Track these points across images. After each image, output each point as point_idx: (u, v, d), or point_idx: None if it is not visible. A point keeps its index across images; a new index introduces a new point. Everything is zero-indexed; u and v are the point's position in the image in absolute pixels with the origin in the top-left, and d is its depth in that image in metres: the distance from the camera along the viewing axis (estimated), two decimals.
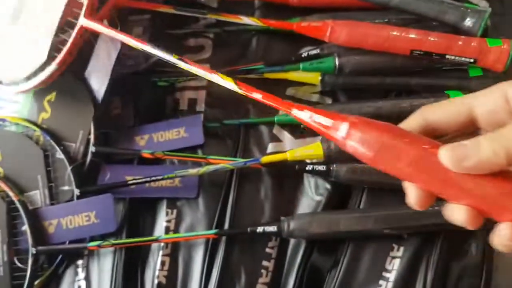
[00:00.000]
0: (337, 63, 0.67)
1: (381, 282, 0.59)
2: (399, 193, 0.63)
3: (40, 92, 0.72)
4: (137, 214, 0.68)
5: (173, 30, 0.81)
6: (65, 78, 0.70)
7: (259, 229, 0.61)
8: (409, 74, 0.69)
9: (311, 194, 0.66)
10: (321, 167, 0.62)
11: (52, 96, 0.71)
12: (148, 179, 0.65)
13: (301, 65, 0.69)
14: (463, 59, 0.63)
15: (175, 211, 0.67)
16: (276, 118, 0.70)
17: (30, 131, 0.70)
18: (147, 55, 0.77)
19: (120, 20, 0.81)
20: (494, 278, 0.59)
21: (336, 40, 0.66)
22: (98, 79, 0.71)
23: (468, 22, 0.63)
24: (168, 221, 0.67)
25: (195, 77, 0.75)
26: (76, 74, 0.71)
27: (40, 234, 0.65)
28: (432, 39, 0.63)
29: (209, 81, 0.74)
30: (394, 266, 0.59)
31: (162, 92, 0.77)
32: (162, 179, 0.65)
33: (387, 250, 0.61)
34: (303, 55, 0.71)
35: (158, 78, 0.73)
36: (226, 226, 0.65)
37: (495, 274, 0.60)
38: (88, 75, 0.71)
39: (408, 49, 0.64)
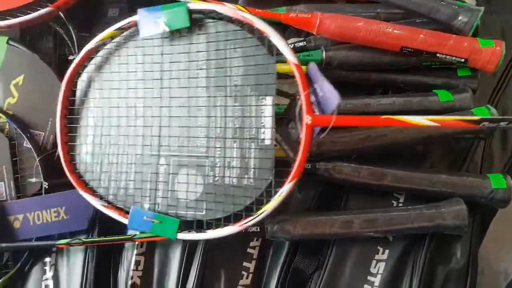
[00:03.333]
0: (324, 57, 0.64)
1: (366, 286, 0.57)
2: (385, 194, 0.63)
3: (6, 74, 0.66)
4: None
5: None
6: (34, 61, 0.66)
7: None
8: (397, 71, 0.67)
9: (295, 193, 0.63)
10: (306, 165, 0.60)
11: (19, 79, 0.66)
12: None
13: None
14: (454, 58, 0.61)
15: None
16: None
17: None
18: None
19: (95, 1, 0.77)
20: (478, 282, 0.58)
21: (324, 33, 0.64)
22: None
23: (460, 21, 0.61)
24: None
25: None
26: None
27: (4, 230, 0.61)
28: (423, 36, 0.61)
29: None
30: (379, 270, 0.58)
31: None
32: None
33: (372, 253, 0.59)
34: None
35: None
36: None
37: (480, 278, 0.59)
38: None
39: (399, 45, 0.61)
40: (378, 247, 0.59)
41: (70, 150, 0.59)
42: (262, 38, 0.54)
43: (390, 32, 0.61)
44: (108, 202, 0.55)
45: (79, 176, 0.58)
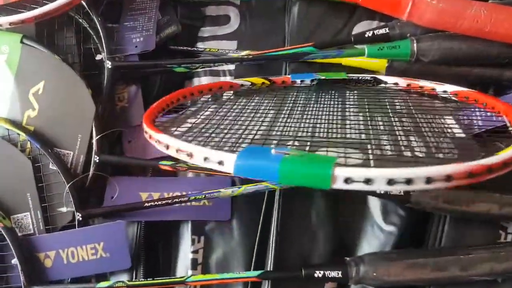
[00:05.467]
0: (415, 49, 0.51)
1: None
2: (489, 223, 0.51)
3: (23, 81, 0.55)
4: (156, 243, 0.55)
5: None
6: (55, 63, 0.55)
7: (318, 273, 0.47)
8: (503, 65, 0.53)
9: (379, 222, 0.52)
10: (398, 192, 0.48)
11: (39, 87, 0.55)
12: (169, 200, 0.51)
13: (366, 49, 0.52)
14: None
15: (202, 238, 0.54)
16: None
17: (12, 135, 0.54)
18: (159, 28, 0.61)
19: None
20: None
21: (418, 19, 0.50)
22: None
23: None
24: (195, 252, 0.53)
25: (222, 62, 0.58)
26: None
27: (34, 270, 0.51)
28: None
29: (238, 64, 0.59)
30: None
31: (178, 79, 0.61)
32: (188, 200, 0.51)
33: None
34: (366, 35, 0.55)
35: (176, 64, 0.56)
36: (269, 259, 0.52)
37: None
38: None
39: None
40: None
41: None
42: None
43: (504, 20, 0.47)
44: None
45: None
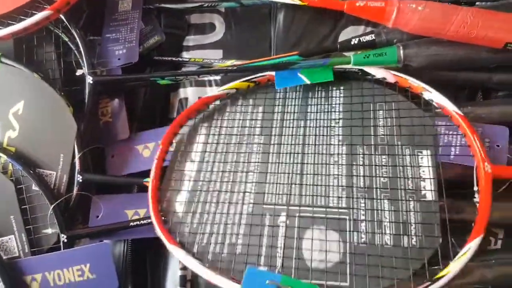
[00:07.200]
0: (401, 56, 0.50)
1: None
2: None
3: (2, 101, 0.54)
4: (143, 259, 0.54)
5: (172, 3, 0.62)
6: (35, 82, 0.53)
7: None
8: (491, 68, 0.52)
9: None
10: None
11: (19, 107, 0.54)
12: None
13: (352, 58, 0.51)
14: None
15: None
16: None
17: None
18: (143, 38, 0.60)
19: None
20: None
21: (404, 26, 0.49)
22: None
23: None
24: (184, 269, 0.52)
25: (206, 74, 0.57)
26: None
27: None
28: None
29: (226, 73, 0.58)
30: None
31: (163, 91, 0.60)
32: None
33: None
34: (352, 43, 0.53)
35: (159, 76, 0.55)
36: None
37: None
38: None
39: (503, 41, 0.46)
40: None
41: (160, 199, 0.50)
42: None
43: (492, 25, 0.46)
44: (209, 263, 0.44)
45: (169, 230, 0.47)
